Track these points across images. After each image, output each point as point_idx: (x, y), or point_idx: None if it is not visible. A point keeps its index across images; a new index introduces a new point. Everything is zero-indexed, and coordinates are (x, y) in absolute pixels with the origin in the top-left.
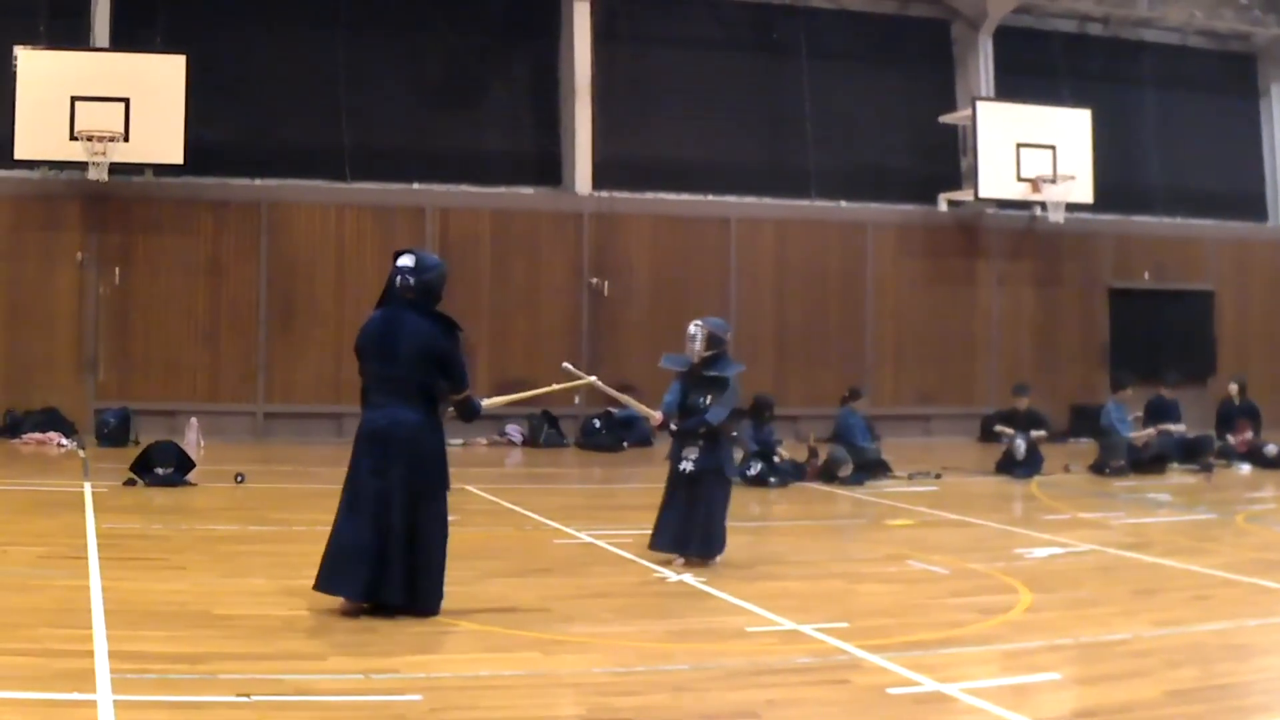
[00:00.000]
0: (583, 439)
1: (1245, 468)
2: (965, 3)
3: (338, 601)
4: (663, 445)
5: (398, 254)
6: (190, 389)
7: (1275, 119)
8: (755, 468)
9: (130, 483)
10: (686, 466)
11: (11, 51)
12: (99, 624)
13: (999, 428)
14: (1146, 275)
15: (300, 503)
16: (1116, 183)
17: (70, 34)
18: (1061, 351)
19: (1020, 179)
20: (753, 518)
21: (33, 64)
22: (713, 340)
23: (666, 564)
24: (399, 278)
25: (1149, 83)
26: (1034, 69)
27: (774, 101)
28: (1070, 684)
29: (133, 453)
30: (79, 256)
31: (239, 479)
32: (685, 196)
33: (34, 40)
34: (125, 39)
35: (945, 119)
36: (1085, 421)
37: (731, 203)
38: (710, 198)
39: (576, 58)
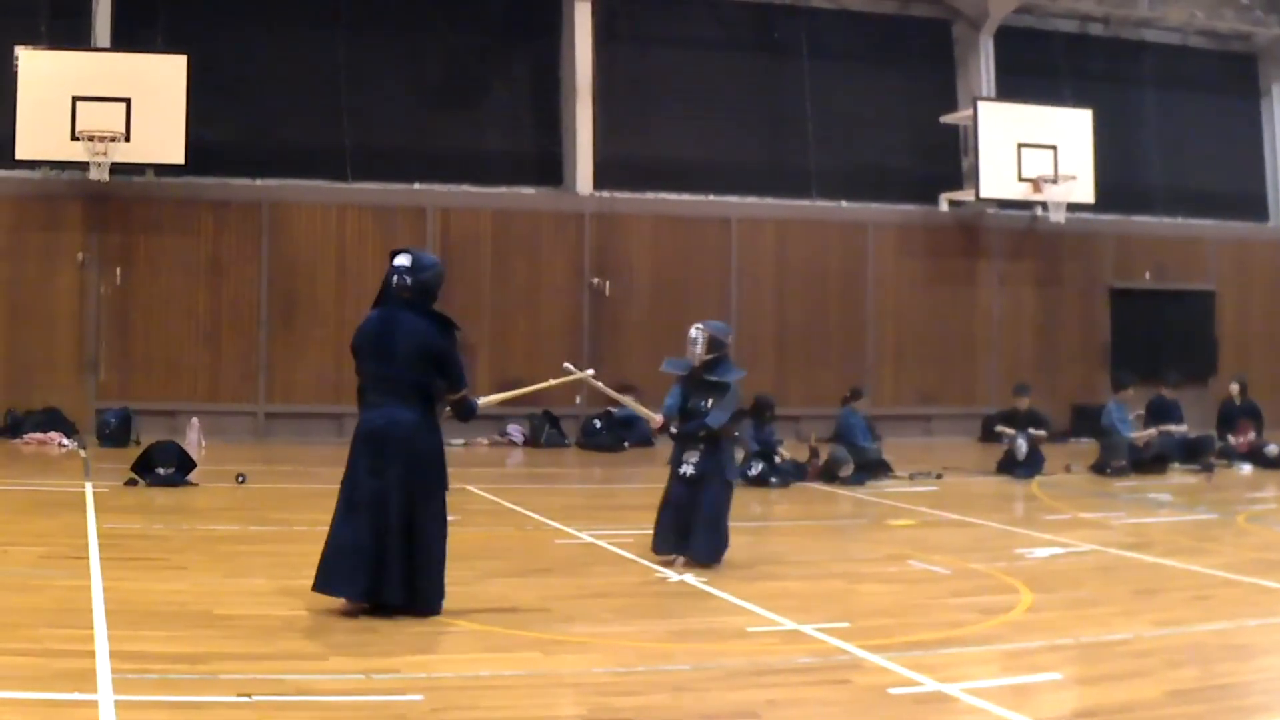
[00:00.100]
0: (584, 439)
1: (1246, 468)
2: (966, 3)
3: (338, 601)
4: (664, 446)
5: (394, 253)
6: (191, 389)
7: (1276, 119)
8: (756, 468)
9: (131, 483)
10: (687, 470)
11: (13, 51)
12: (100, 624)
13: (1000, 428)
14: (1147, 275)
15: (301, 503)
16: (1117, 183)
17: (71, 34)
18: (1062, 351)
19: (1021, 179)
20: (754, 518)
21: (34, 64)
22: (714, 344)
23: (668, 564)
24: (395, 277)
25: (1150, 83)
26: (1035, 69)
27: (775, 101)
28: (1071, 684)
29: (134, 453)
30: (80, 256)
31: (240, 479)
32: (686, 196)
33: (35, 40)
34: (126, 39)
35: (946, 119)
36: (1086, 421)
37: (732, 203)
38: (711, 198)
39: (577, 58)
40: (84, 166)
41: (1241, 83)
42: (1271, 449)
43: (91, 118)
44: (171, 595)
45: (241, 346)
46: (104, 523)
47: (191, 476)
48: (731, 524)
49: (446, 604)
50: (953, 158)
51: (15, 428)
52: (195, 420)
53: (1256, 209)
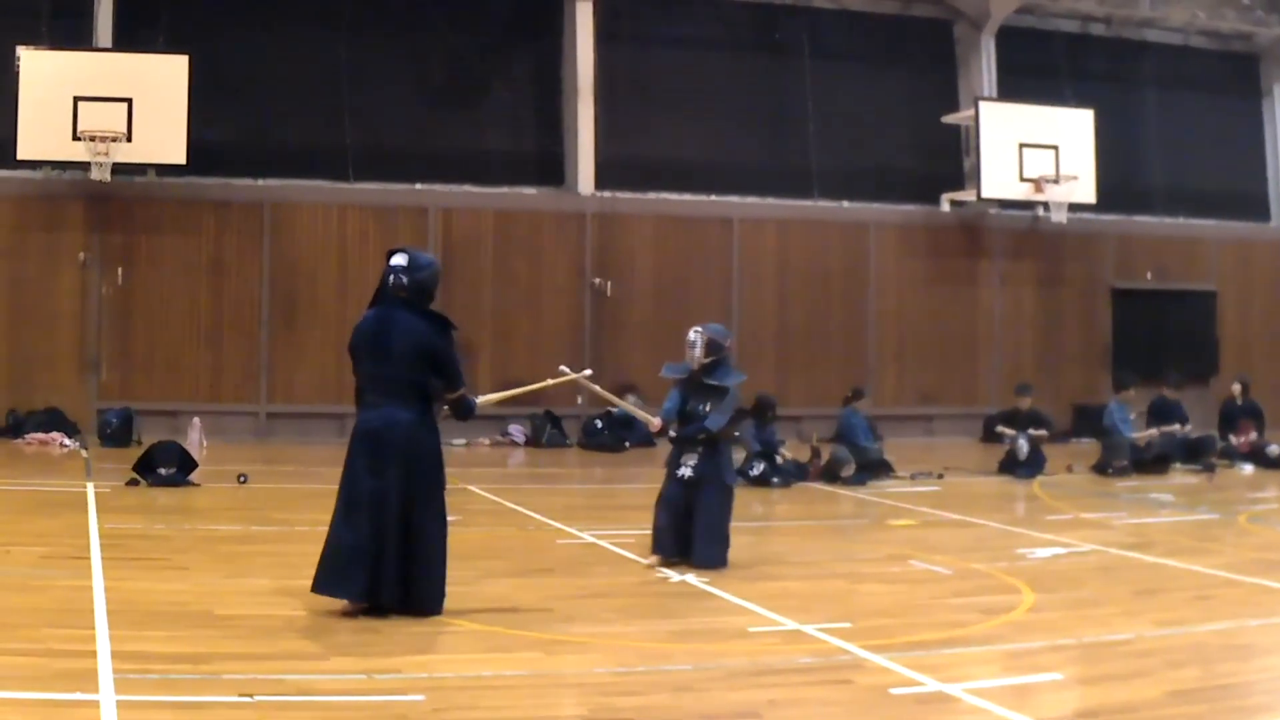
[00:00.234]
0: (585, 439)
1: (1248, 468)
2: (968, 3)
3: (339, 602)
4: (666, 446)
5: (391, 253)
6: (192, 389)
7: (1277, 119)
8: (758, 468)
9: (133, 483)
10: (685, 473)
11: (14, 51)
12: (101, 624)
13: (1000, 428)
14: (1149, 275)
15: (302, 503)
16: (1119, 183)
17: (73, 34)
18: (1064, 351)
19: (1023, 179)
20: (755, 518)
21: (35, 64)
22: (712, 347)
23: (669, 564)
24: (392, 277)
25: (1151, 83)
26: (1036, 69)
27: (776, 101)
28: (1072, 684)
29: (135, 453)
30: (81, 256)
31: (241, 479)
32: (688, 196)
33: (37, 40)
34: (128, 39)
35: (948, 119)
36: (1087, 422)
37: (734, 203)
38: (713, 198)
39: (579, 58)
40: (85, 166)
41: (1243, 83)
42: (1273, 449)
43: (93, 118)
44: (173, 595)
45: (243, 346)
46: (105, 523)
47: (193, 476)
48: (733, 524)
49: (448, 604)
50: (954, 158)
51: (17, 428)
52: (197, 420)
53: (1258, 209)
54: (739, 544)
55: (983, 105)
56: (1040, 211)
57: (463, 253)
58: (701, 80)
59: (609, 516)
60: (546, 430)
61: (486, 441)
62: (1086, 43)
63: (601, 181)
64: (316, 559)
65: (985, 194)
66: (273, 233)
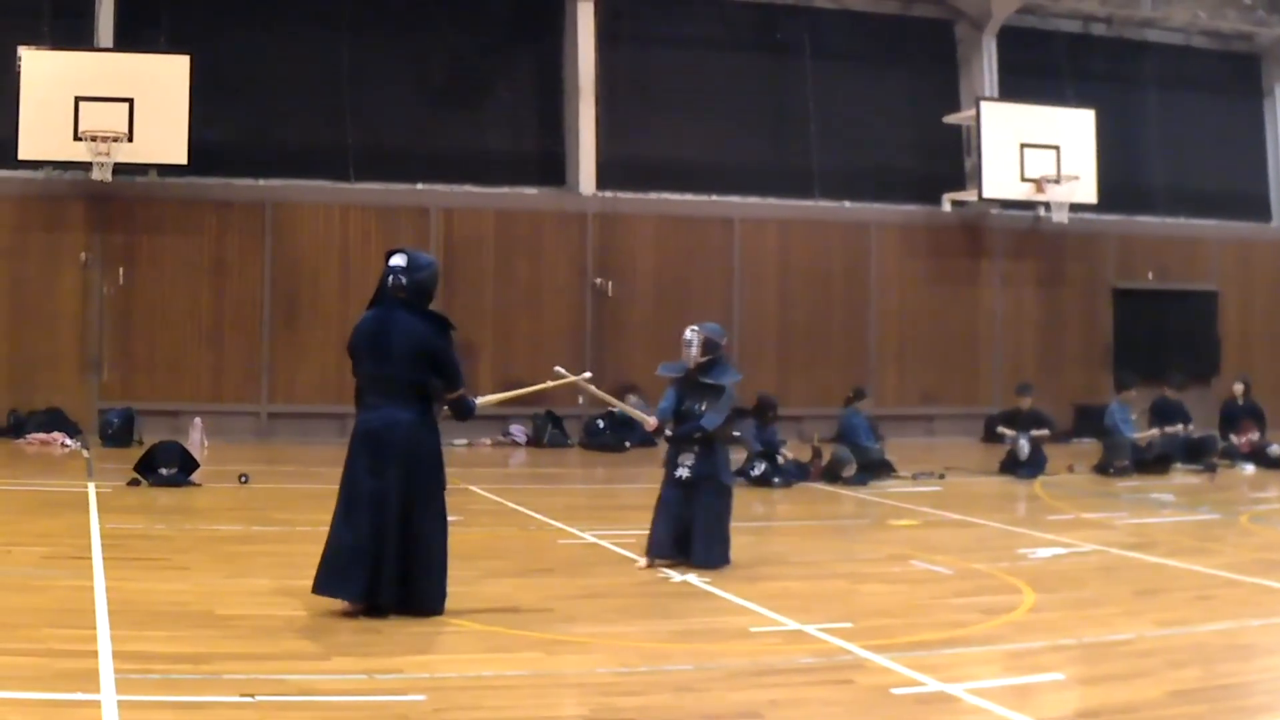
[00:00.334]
0: (586, 439)
1: (1249, 468)
2: (969, 3)
3: (340, 602)
4: (666, 446)
5: (390, 253)
6: (194, 389)
7: (1279, 119)
8: (759, 468)
9: (134, 483)
10: (683, 473)
11: (15, 52)
12: (103, 624)
13: (1001, 429)
14: (1150, 275)
15: (303, 503)
16: (1120, 183)
17: (74, 34)
18: (1065, 352)
19: (1024, 179)
20: (756, 518)
21: (37, 64)
22: (708, 346)
23: (670, 565)
24: (391, 277)
25: (1153, 83)
26: (1038, 69)
27: (778, 102)
28: (1073, 684)
29: (136, 453)
30: (83, 257)
31: (243, 479)
32: (689, 197)
33: (38, 40)
34: (129, 39)
35: (949, 119)
36: (1089, 422)
37: (735, 203)
38: (714, 198)
39: (580, 58)
40: (87, 167)
41: (1244, 83)
42: (1274, 449)
43: (94, 118)
44: (174, 595)
45: (244, 346)
46: (107, 523)
47: (194, 477)
48: (735, 524)
49: (449, 604)
50: (955, 158)
51: (18, 428)
52: (198, 420)
53: (1259, 209)
54: (740, 544)
55: (984, 105)
56: (1041, 211)
57: (464, 253)
58: (703, 80)
59: (610, 517)
60: (548, 430)
61: (488, 442)
62: (1088, 43)
63: (603, 181)
64: (317, 559)
65: (986, 194)
66: (274, 233)
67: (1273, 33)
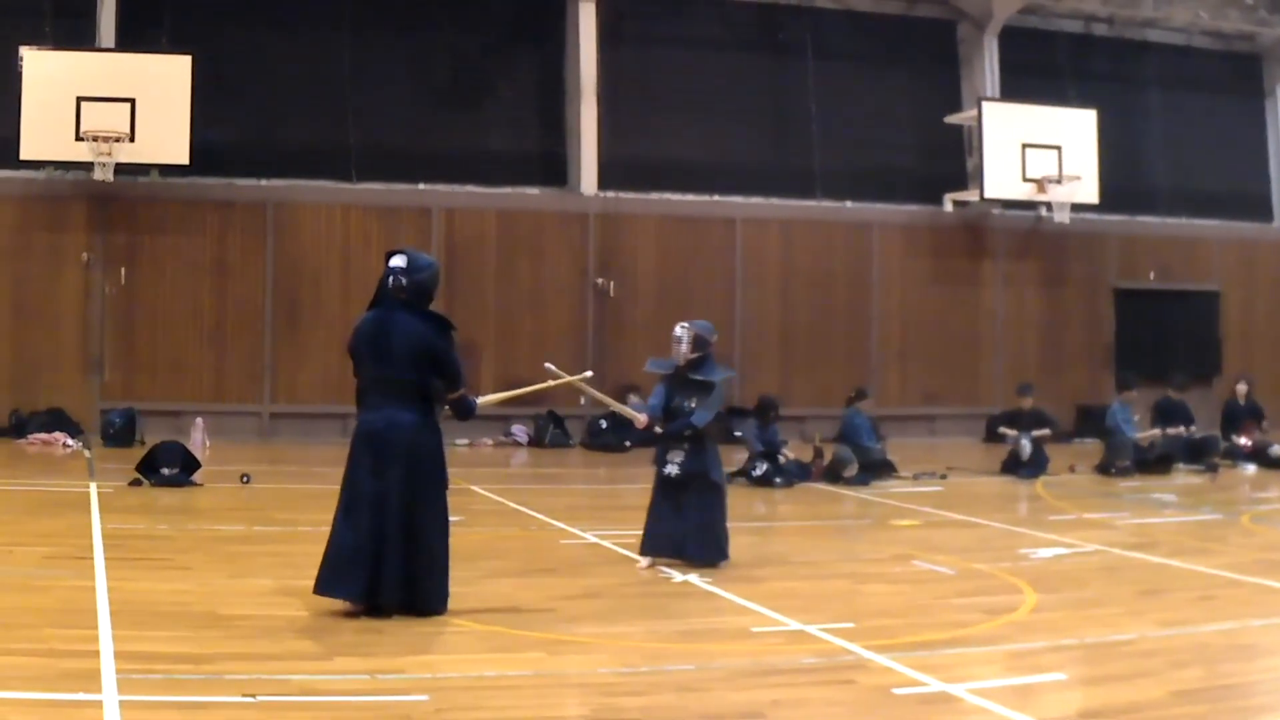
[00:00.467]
0: (588, 439)
1: (1251, 468)
2: (971, 3)
3: (342, 602)
4: None
5: (390, 254)
6: (196, 389)
7: None
8: (761, 468)
9: (136, 483)
10: (672, 470)
11: (17, 52)
12: (104, 624)
13: (1002, 429)
14: (1152, 275)
15: (305, 503)
16: (1122, 183)
17: (76, 34)
18: (1067, 352)
19: (1026, 179)
20: (758, 518)
21: (38, 64)
22: (698, 342)
23: (672, 565)
24: (391, 278)
25: (1154, 83)
26: (1039, 69)
27: (779, 102)
28: (1075, 684)
29: (138, 453)
30: (85, 257)
31: (244, 479)
32: (690, 197)
33: (40, 41)
34: (131, 39)
35: (951, 119)
36: (1090, 422)
37: (737, 203)
38: (715, 198)
39: (582, 58)
40: (88, 167)
41: (1246, 83)
42: (1275, 449)
43: (96, 118)
44: (176, 595)
45: (246, 347)
46: (109, 523)
47: (196, 477)
48: (736, 524)
49: (451, 604)
50: (957, 158)
51: (20, 428)
52: (200, 420)
53: (1261, 209)
54: (742, 544)
55: (986, 105)
56: (1043, 212)
57: (465, 253)
58: (704, 80)
59: (612, 517)
60: (549, 430)
61: (490, 442)
62: (1089, 43)
63: (604, 182)
64: (319, 559)
65: (988, 194)
66: (276, 233)
67: (1274, 33)
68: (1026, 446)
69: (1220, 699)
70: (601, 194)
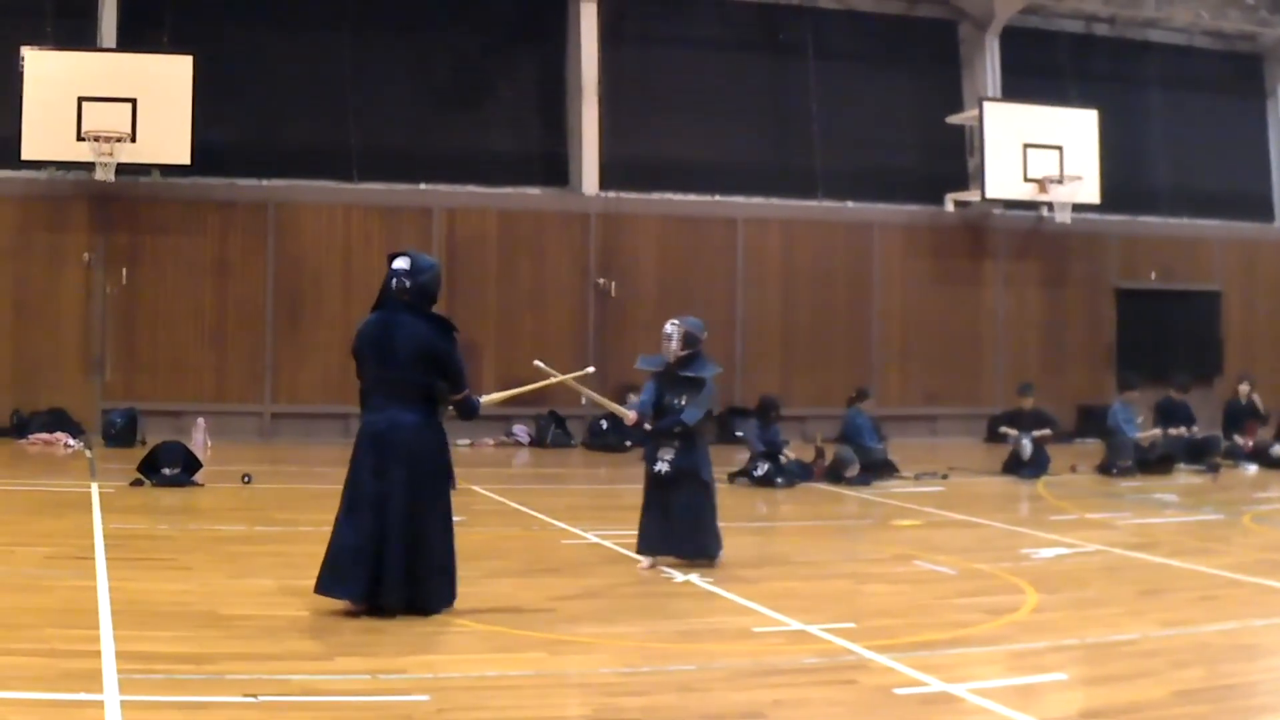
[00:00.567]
0: (590, 439)
1: (1252, 468)
2: (972, 3)
3: (344, 602)
4: None
5: (392, 256)
6: (197, 389)
7: None
8: (762, 468)
9: (137, 483)
10: (662, 467)
11: (19, 52)
12: (106, 624)
13: (1003, 429)
14: (1153, 275)
15: (307, 503)
16: (1123, 183)
17: (77, 34)
18: (1068, 352)
19: (1027, 179)
20: (759, 518)
21: (40, 64)
22: (688, 339)
23: (673, 565)
24: (394, 280)
25: (1155, 83)
26: (1041, 69)
27: (780, 102)
28: (1077, 684)
29: (140, 453)
30: (86, 257)
31: (246, 479)
32: (692, 197)
33: (41, 41)
34: (132, 39)
35: (952, 119)
36: (1092, 422)
37: (738, 203)
38: (717, 198)
39: (583, 58)
40: (90, 167)
41: (1247, 83)
42: (1277, 449)
43: (97, 118)
44: (177, 595)
45: (247, 347)
46: (110, 523)
47: (197, 477)
48: (737, 524)
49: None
50: (958, 158)
51: (21, 428)
52: (201, 420)
53: (1262, 209)
54: (744, 544)
55: (987, 105)
56: (1044, 212)
57: (467, 253)
58: (705, 80)
59: (613, 517)
60: (551, 430)
61: (491, 442)
62: (1090, 43)
63: (605, 182)
64: (320, 559)
65: (989, 194)
66: (277, 233)
67: (1275, 33)
68: (1028, 446)
69: (1221, 699)
70: (602, 194)
